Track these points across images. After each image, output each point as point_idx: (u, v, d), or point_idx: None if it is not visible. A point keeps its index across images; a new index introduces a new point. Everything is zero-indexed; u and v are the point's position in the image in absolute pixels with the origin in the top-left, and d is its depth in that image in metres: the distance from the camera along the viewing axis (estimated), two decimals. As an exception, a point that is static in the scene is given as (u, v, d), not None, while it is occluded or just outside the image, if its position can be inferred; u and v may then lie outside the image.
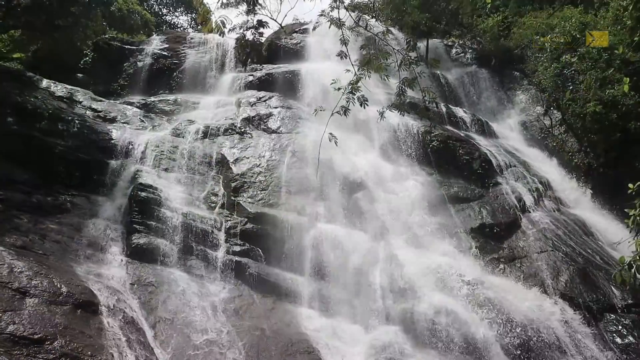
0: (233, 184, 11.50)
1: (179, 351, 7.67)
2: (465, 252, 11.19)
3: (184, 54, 17.63)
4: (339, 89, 5.88)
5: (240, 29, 6.72)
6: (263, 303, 9.37)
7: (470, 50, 20.80)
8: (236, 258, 9.95)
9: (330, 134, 6.05)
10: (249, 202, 11.12)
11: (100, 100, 13.73)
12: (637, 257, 4.47)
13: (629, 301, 9.89)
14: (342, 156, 12.41)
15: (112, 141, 11.81)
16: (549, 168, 15.04)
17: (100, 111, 13.11)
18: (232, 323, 8.50)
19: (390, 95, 13.50)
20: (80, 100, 13.13)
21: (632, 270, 4.53)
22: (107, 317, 7.47)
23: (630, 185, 5.00)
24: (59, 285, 7.39)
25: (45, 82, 12.91)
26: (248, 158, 12.28)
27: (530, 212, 12.58)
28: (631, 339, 9.20)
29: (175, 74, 17.01)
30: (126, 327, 7.52)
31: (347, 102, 5.89)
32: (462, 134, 14.79)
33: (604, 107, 13.92)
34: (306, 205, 11.30)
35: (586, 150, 15.11)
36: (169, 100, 15.16)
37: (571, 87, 14.99)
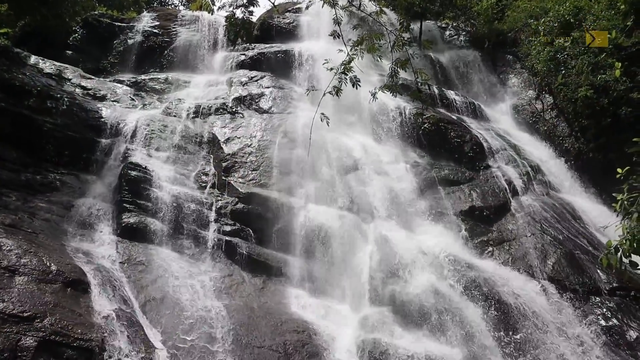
0: (224, 164, 11.47)
1: (169, 329, 7.71)
2: (454, 234, 11.26)
3: (175, 32, 17.39)
4: (331, 69, 5.85)
5: (229, 6, 6.61)
6: (253, 283, 9.43)
7: (464, 33, 20.68)
8: (226, 238, 9.98)
9: (322, 114, 6.03)
10: (240, 182, 11.11)
11: (90, 78, 13.56)
12: (624, 241, 4.52)
13: (614, 284, 10.04)
14: (334, 137, 12.39)
15: (102, 119, 11.70)
16: (539, 152, 15.10)
17: (89, 89, 12.95)
18: (222, 302, 8.55)
19: (383, 76, 13.43)
20: (70, 77, 12.96)
21: (618, 254, 4.58)
22: (97, 296, 7.48)
23: (619, 170, 5.04)
24: (48, 263, 7.38)
25: (33, 59, 12.71)
26: (239, 138, 12.23)
27: (520, 195, 12.67)
28: (615, 321, 9.36)
29: (166, 52, 16.79)
30: (116, 305, 7.54)
31: (340, 82, 5.86)
32: (454, 117, 14.79)
33: (595, 92, 13.96)
34: (297, 185, 11.31)
35: (577, 134, 15.17)
36: (159, 78, 15.00)
37: (563, 72, 15.00)
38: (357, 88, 5.97)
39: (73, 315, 6.83)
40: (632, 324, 9.31)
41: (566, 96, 15.10)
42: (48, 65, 12.81)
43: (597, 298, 9.84)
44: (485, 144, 13.83)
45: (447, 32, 20.87)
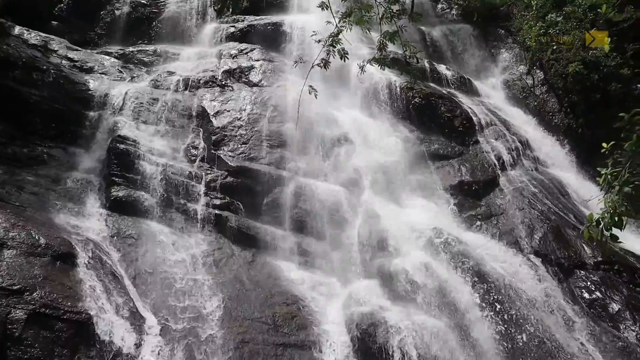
0: (213, 137, 11.41)
1: (159, 302, 7.77)
2: (443, 208, 11.36)
3: (163, 3, 17.05)
4: (319, 41, 5.80)
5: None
6: (243, 256, 9.48)
7: (456, 7, 20.46)
8: (216, 211, 9.99)
9: (310, 86, 5.99)
10: (230, 156, 11.08)
11: (77, 50, 13.31)
12: (605, 214, 4.60)
13: (599, 258, 10.19)
14: (324, 111, 12.34)
15: (90, 92, 11.53)
16: (529, 127, 15.16)
17: (76, 61, 12.73)
18: (212, 275, 8.61)
19: (372, 50, 13.35)
20: (56, 49, 12.71)
21: (600, 226, 4.66)
22: (87, 269, 7.50)
23: (604, 145, 5.08)
24: (37, 237, 7.36)
25: (17, 29, 12.44)
26: (229, 111, 12.14)
27: (508, 170, 12.75)
28: (598, 294, 9.54)
29: (154, 23, 16.49)
30: (106, 278, 7.58)
31: (328, 54, 5.82)
32: (444, 91, 14.75)
33: (585, 68, 13.97)
34: (287, 159, 11.29)
35: (566, 110, 15.22)
36: (148, 50, 14.76)
37: (555, 47, 14.96)
38: (345, 60, 5.92)
39: (63, 288, 6.86)
40: (615, 296, 9.49)
41: (557, 72, 15.11)
42: (33, 36, 12.55)
43: (582, 272, 10.00)
44: (475, 119, 13.85)
45: (439, 6, 20.63)
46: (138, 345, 6.90)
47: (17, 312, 6.23)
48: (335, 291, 9.20)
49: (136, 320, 7.20)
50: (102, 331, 6.70)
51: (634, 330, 8.89)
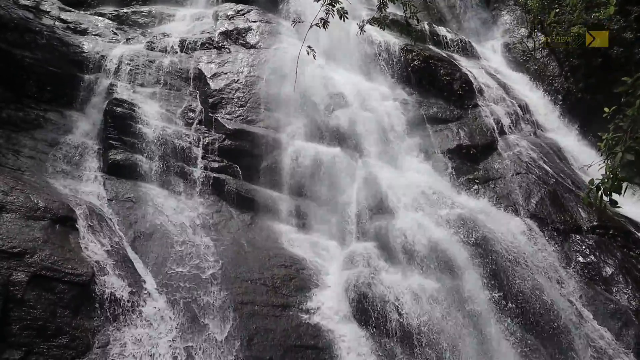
0: (211, 100, 11.30)
1: (158, 264, 7.83)
2: (441, 172, 11.39)
3: (157, -38, 16.62)
4: (318, 0, 5.69)
5: None
6: (241, 219, 9.53)
7: (457, -34, 20.05)
8: (214, 174, 9.98)
9: (309, 47, 5.90)
10: (227, 119, 11.00)
11: (70, 11, 13.04)
12: (605, 180, 4.62)
13: (594, 223, 10.31)
14: (322, 73, 12.20)
15: (84, 54, 11.35)
16: (528, 91, 15.08)
17: (70, 22, 12.49)
18: (210, 237, 8.66)
19: (372, 11, 13.13)
20: (48, 10, 12.44)
21: (600, 192, 4.69)
22: (86, 232, 7.52)
23: (606, 109, 5.06)
24: (35, 200, 7.35)
25: (8, -11, 12.15)
26: (226, 74, 11.99)
27: (507, 134, 12.76)
28: (592, 258, 9.69)
29: (148, -17, 16.11)
30: (105, 241, 7.61)
31: (327, 14, 5.71)
32: (444, 54, 14.58)
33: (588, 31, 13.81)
34: (285, 122, 11.23)
35: (567, 74, 15.11)
36: (142, 11, 14.47)
37: (557, 10, 14.73)
38: (344, 20, 5.82)
39: (63, 251, 6.90)
40: (609, 260, 9.64)
41: (558, 34, 14.92)
42: (24, -4, 12.28)
43: (577, 236, 10.12)
44: (474, 82, 13.74)
45: (440, -35, 20.20)
46: (138, 307, 6.99)
47: (19, 274, 6.28)
48: (333, 253, 9.30)
49: (136, 282, 7.27)
50: (103, 292, 6.77)
51: (626, 293, 9.06)
